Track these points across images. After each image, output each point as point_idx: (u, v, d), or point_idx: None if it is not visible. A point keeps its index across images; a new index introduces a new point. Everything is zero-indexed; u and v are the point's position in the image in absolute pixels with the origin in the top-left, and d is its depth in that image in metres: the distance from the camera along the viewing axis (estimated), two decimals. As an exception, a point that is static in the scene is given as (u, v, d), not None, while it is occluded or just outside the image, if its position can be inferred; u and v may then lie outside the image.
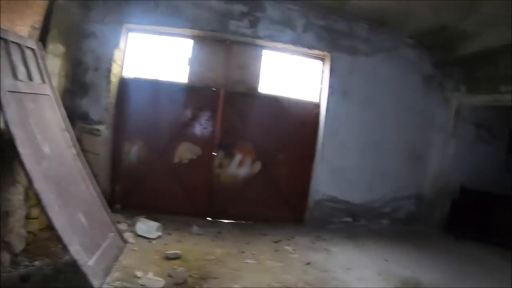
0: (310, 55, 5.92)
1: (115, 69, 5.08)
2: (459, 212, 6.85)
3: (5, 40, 2.91)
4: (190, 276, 3.52)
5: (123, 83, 5.28)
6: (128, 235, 4.21)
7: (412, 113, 6.64)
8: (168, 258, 3.84)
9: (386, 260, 4.93)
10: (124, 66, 5.35)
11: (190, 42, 5.48)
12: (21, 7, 3.47)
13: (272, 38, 5.51)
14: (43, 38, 3.86)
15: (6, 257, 3.14)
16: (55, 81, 4.09)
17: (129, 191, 5.31)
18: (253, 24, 5.44)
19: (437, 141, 7.06)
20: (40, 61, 3.57)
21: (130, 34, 5.34)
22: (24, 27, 3.53)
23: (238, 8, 5.38)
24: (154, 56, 5.42)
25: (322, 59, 5.96)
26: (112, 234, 3.68)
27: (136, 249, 3.98)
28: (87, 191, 3.59)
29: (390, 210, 6.70)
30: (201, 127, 5.54)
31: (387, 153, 6.47)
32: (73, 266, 2.78)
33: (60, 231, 2.72)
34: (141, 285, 3.18)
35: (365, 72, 6.09)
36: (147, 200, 5.31)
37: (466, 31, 5.66)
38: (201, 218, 5.42)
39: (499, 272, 5.23)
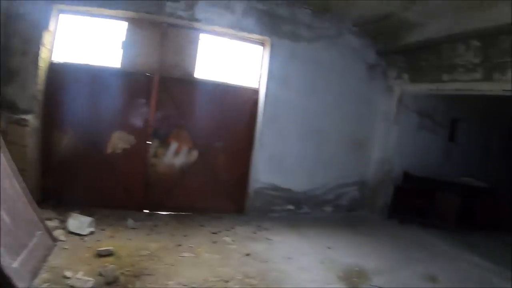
0: (250, 40, 5.99)
1: (44, 53, 4.82)
2: (402, 198, 7.30)
3: None
4: (122, 273, 3.49)
5: (53, 69, 5.01)
6: (59, 233, 4.11)
7: (355, 101, 6.94)
8: (100, 255, 3.76)
9: (329, 248, 5.10)
10: (54, 50, 5.09)
11: (124, 25, 5.32)
12: None
13: (210, 21, 5.47)
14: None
15: None
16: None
17: (61, 185, 5.13)
18: (190, 6, 5.37)
19: (380, 129, 7.47)
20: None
21: (61, 16, 5.08)
22: None
23: (174, -11, 5.18)
24: (86, 39, 5.22)
25: (262, 44, 6.05)
26: (39, 232, 3.59)
27: (67, 247, 3.88)
28: (11, 188, 3.44)
29: (333, 197, 7.03)
30: (134, 115, 5.40)
31: (329, 140, 6.72)
32: (-4, 269, 2.62)
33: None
34: (70, 286, 3.13)
35: (307, 58, 6.24)
36: (81, 194, 5.15)
37: (410, 21, 5.98)
38: (137, 211, 5.37)
39: (443, 256, 5.62)
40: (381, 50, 7.06)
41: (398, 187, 7.30)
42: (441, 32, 5.71)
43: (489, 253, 5.96)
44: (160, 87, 5.42)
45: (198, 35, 5.66)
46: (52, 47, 5.05)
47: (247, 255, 4.37)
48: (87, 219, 4.42)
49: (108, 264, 3.54)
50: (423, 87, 6.86)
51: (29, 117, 4.68)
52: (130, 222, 4.84)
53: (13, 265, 2.77)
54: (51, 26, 4.90)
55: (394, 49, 6.94)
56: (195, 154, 5.75)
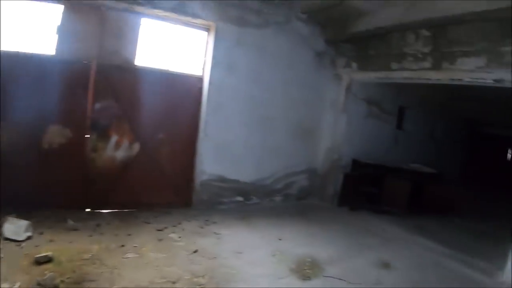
0: (195, 25, 5.92)
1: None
2: (352, 185, 7.65)
3: None
4: (63, 281, 3.35)
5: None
6: (-6, 240, 3.88)
7: (304, 89, 7.15)
8: (39, 262, 3.58)
9: (280, 239, 5.23)
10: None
11: (59, 8, 4.97)
12: None
13: (152, 4, 5.29)
14: None
15: None
16: None
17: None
18: (131, -13, 5.16)
19: (328, 117, 7.82)
20: None
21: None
22: None
23: (113, -30, 5.06)
24: (17, 24, 4.80)
25: (207, 30, 6.02)
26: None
27: (2, 256, 3.65)
28: None
29: (282, 186, 7.28)
30: (71, 107, 5.16)
31: (277, 129, 6.91)
32: None
33: None
34: (5, 300, 3.00)
35: (254, 44, 6.34)
36: (16, 195, 4.77)
37: (359, 9, 6.16)
38: (78, 210, 5.18)
39: (395, 241, 5.95)
40: (330, 38, 7.31)
41: (348, 175, 7.68)
42: (391, 21, 5.96)
43: (440, 236, 6.43)
44: (98, 75, 5.22)
45: (140, 19, 5.50)
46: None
47: (195, 252, 4.36)
48: (24, 223, 4.18)
49: (48, 272, 3.40)
50: (372, 76, 7.22)
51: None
52: (70, 223, 4.68)
53: None
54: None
55: (343, 38, 7.21)
56: (137, 146, 5.68)
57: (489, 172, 16.58)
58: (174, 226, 5.13)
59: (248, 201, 6.66)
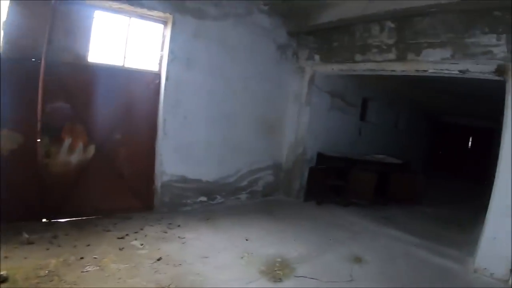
0: (151, 18, 5.72)
1: None
2: (318, 179, 7.70)
3: None
4: None
5: None
6: None
7: (266, 82, 7.17)
8: None
9: (247, 240, 5.21)
10: None
11: (4, 3, 4.65)
12: None
13: (106, -4, 5.07)
14: None
15: None
16: None
17: None
18: (83, -22, 4.97)
19: (292, 110, 7.89)
20: None
21: None
22: None
23: (63, -41, 4.96)
24: None
25: (164, 23, 5.86)
26: None
27: None
28: None
29: (247, 184, 7.29)
30: (19, 109, 4.82)
31: (239, 125, 6.89)
32: None
33: None
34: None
35: (213, 37, 6.24)
36: None
37: (322, 1, 6.30)
38: (34, 220, 4.90)
39: (364, 233, 6.07)
40: (293, 30, 7.34)
41: (313, 168, 7.77)
42: (355, 13, 6.06)
43: (408, 226, 6.67)
44: (48, 74, 4.89)
45: (93, 12, 5.24)
46: None
47: (159, 259, 4.23)
48: (-25, 241, 3.92)
49: (2, 294, 3.23)
50: (335, 68, 7.32)
51: None
52: (25, 236, 4.37)
53: None
54: None
55: (305, 29, 7.26)
56: (92, 149, 5.45)
57: (452, 160, 17.32)
58: (135, 232, 4.97)
59: (212, 201, 6.61)
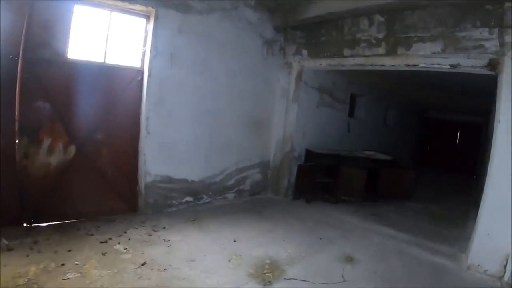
0: (133, 12, 5.55)
1: None
2: (307, 176, 7.70)
3: None
4: None
5: None
6: None
7: (252, 78, 7.12)
8: None
9: (235, 241, 5.14)
10: None
11: None
12: None
13: (86, -11, 4.95)
14: None
15: None
16: None
17: None
18: (61, -31, 4.89)
19: (279, 107, 7.85)
20: None
21: None
22: None
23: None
24: None
25: (147, 17, 5.70)
26: None
27: None
28: None
29: (234, 182, 7.24)
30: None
31: (225, 122, 6.82)
32: None
33: None
34: None
35: (198, 32, 6.14)
36: None
37: None
38: (14, 226, 4.74)
39: (355, 231, 6.06)
40: (280, 25, 7.32)
41: (301, 166, 7.78)
42: (344, 7, 5.98)
43: (399, 223, 6.72)
44: (26, 71, 4.72)
45: (72, 6, 5.06)
46: None
47: (143, 264, 4.12)
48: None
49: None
50: (323, 63, 7.27)
51: None
52: (4, 242, 4.22)
53: None
54: None
55: (293, 24, 7.22)
56: (73, 149, 5.30)
57: (441, 155, 17.58)
58: (119, 236, 4.85)
59: (198, 201, 6.54)
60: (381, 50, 6.02)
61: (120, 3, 5.29)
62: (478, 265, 4.72)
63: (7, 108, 4.65)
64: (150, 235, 5.03)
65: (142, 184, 5.81)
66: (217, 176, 6.80)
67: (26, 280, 3.53)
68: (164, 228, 5.31)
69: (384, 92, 11.49)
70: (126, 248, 4.50)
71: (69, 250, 4.25)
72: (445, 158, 17.23)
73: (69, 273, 3.75)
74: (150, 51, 5.59)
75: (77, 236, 4.72)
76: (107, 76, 5.47)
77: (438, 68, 5.56)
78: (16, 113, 4.73)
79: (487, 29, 4.80)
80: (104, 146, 5.55)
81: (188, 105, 6.14)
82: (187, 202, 6.35)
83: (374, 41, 6.10)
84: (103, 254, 4.29)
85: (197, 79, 6.18)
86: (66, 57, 5.06)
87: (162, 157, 5.91)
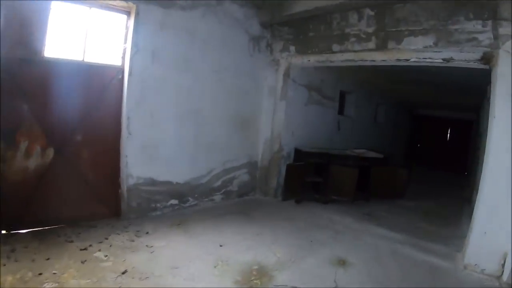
0: (113, 8, 5.45)
1: None
2: (296, 176, 7.63)
3: None
4: None
5: None
6: None
7: (238, 76, 7.03)
8: None
9: (221, 246, 5.02)
10: None
11: None
12: None
13: (64, -15, 4.80)
14: None
15: None
16: None
17: None
18: (37, -36, 4.73)
19: (267, 105, 7.76)
20: None
21: None
22: None
23: None
24: None
25: (128, 13, 5.54)
26: None
27: None
28: None
29: (222, 184, 7.16)
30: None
31: (211, 121, 6.72)
32: None
33: None
34: None
35: (181, 28, 6.01)
36: None
37: None
38: None
39: (347, 232, 5.98)
40: (266, 21, 7.26)
41: (290, 165, 7.71)
42: (332, 1, 5.91)
43: (392, 222, 6.68)
44: (1, 71, 4.58)
45: (50, 3, 4.91)
46: None
47: (124, 273, 3.98)
48: None
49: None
50: (312, 59, 7.20)
51: None
52: None
53: None
54: None
55: (279, 20, 7.17)
56: (51, 152, 5.14)
57: (431, 152, 17.77)
58: (100, 242, 4.70)
59: (184, 204, 6.43)
60: (371, 44, 5.96)
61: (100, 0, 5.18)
62: (475, 264, 4.70)
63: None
64: (133, 241, 4.90)
65: (124, 187, 5.67)
66: (203, 177, 6.69)
67: (2, 291, 3.46)
68: (147, 233, 5.18)
69: (374, 89, 11.51)
70: (107, 256, 4.36)
71: (48, 259, 4.11)
72: (436, 155, 17.42)
73: (46, 283, 3.61)
74: (131, 48, 5.45)
75: (57, 243, 4.58)
76: (87, 75, 5.31)
77: (430, 62, 5.51)
78: (-9, 115, 4.61)
79: (480, 21, 4.75)
80: (84, 148, 5.41)
81: (171, 104, 6.01)
82: (172, 205, 6.23)
83: (363, 36, 6.04)
84: (83, 262, 4.15)
85: (181, 77, 6.06)
86: (44, 55, 4.92)
87: (144, 158, 5.78)
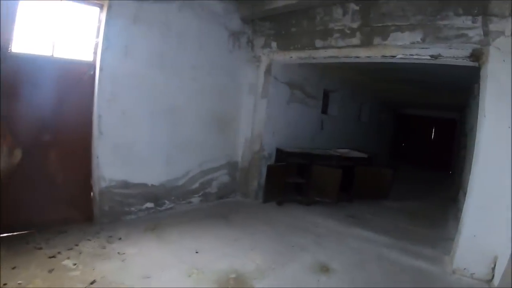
0: (84, 1, 5.28)
1: None
2: (278, 177, 7.56)
3: None
4: None
5: None
6: None
7: (217, 73, 6.93)
8: None
9: (197, 252, 4.89)
10: None
11: None
12: None
13: (31, -24, 4.72)
14: None
15: None
16: None
17: None
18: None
19: (247, 104, 7.67)
20: None
21: None
22: None
23: None
24: None
25: (100, 6, 5.43)
26: None
27: None
28: None
29: (199, 185, 7.05)
30: None
31: (188, 120, 6.59)
32: None
33: None
34: None
35: (155, 23, 5.83)
36: None
37: None
38: None
39: (330, 236, 5.92)
40: (247, 16, 7.19)
41: (271, 166, 7.64)
42: None
43: (377, 224, 6.68)
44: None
45: (18, -5, 4.82)
46: None
47: (92, 283, 3.83)
48: None
49: None
50: (294, 56, 7.13)
51: None
52: None
53: None
54: None
55: (261, 15, 7.12)
56: (18, 153, 4.96)
57: (416, 151, 18.06)
58: (69, 249, 4.54)
59: (160, 207, 6.29)
60: (356, 40, 5.92)
61: (70, -8, 5.04)
62: (464, 268, 4.71)
63: None
64: (104, 247, 4.74)
65: (96, 190, 5.51)
66: (180, 179, 6.57)
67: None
68: (120, 239, 5.03)
69: (358, 88, 11.54)
70: (76, 264, 4.20)
71: (14, 267, 3.95)
72: (421, 154, 17.71)
73: (11, 296, 3.53)
74: (102, 43, 5.28)
75: (25, 250, 4.40)
76: (56, 71, 5.12)
77: (418, 59, 5.47)
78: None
79: (470, 17, 4.72)
80: (54, 149, 5.22)
81: (145, 102, 5.86)
82: (147, 208, 6.09)
83: (348, 31, 5.98)
84: (50, 271, 3.98)
85: (155, 73, 5.91)
86: (11, 50, 4.72)
87: (117, 160, 5.61)
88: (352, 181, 8.28)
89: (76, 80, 5.33)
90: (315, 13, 6.37)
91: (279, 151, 7.89)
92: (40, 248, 4.50)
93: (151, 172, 6.09)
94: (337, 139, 10.22)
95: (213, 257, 4.72)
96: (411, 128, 18.70)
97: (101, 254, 4.54)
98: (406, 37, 5.36)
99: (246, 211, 6.91)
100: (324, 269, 4.69)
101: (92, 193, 5.58)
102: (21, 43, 4.82)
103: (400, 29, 5.40)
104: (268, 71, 7.41)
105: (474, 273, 4.62)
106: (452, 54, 5.10)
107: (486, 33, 4.63)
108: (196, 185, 6.90)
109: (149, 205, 6.12)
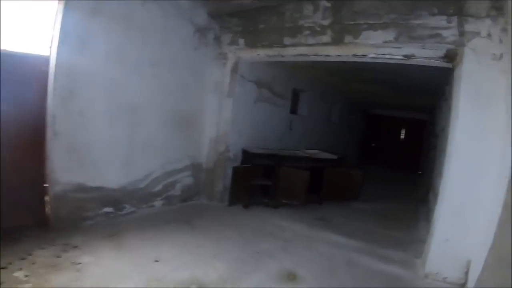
0: (41, -8, 5.17)
1: None
2: (244, 179, 7.57)
3: None
4: None
5: None
6: None
7: (181, 70, 6.85)
8: None
9: (156, 261, 4.75)
10: None
11: None
12: None
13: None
14: None
15: None
16: None
17: None
18: None
19: (212, 102, 7.62)
20: None
21: None
22: None
23: None
24: None
25: (58, -3, 5.28)
26: None
27: None
28: None
29: (162, 188, 6.96)
30: None
31: (149, 119, 6.49)
32: None
33: None
34: None
35: (116, 16, 5.67)
36: None
37: None
38: None
39: (293, 241, 5.89)
40: (214, 11, 7.10)
41: (237, 168, 7.61)
42: None
43: (346, 227, 6.74)
44: None
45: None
46: None
47: (44, 297, 3.67)
48: None
49: None
50: (262, 53, 7.10)
51: None
52: None
53: None
54: None
55: (229, 10, 7.07)
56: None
57: (385, 151, 18.57)
58: (22, 259, 4.36)
59: (120, 211, 6.16)
60: (326, 38, 5.93)
61: (25, -18, 4.85)
62: (437, 272, 4.80)
63: None
64: (59, 256, 4.55)
65: (51, 194, 5.33)
66: (141, 181, 6.46)
67: None
68: (76, 247, 4.85)
69: (329, 88, 11.67)
70: (28, 276, 4.02)
71: (-42, 282, 3.83)
72: (390, 154, 18.20)
73: (-47, 313, 3.37)
74: (58, 36, 5.09)
75: (-26, 261, 4.27)
76: (7, 65, 4.89)
77: (390, 59, 5.54)
78: None
79: (445, 17, 4.80)
80: (5, 150, 5.00)
81: (103, 100, 5.70)
82: (106, 213, 5.95)
83: (318, 29, 6.00)
84: (-1, 285, 3.91)
85: (115, 70, 5.75)
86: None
87: (72, 162, 5.44)
88: (321, 182, 8.35)
89: (29, 76, 5.14)
90: (285, 9, 6.38)
91: (245, 152, 7.90)
92: (-9, 259, 4.36)
93: (110, 174, 5.96)
94: (307, 139, 10.31)
95: (173, 266, 4.59)
96: (381, 128, 19.19)
97: (55, 264, 4.36)
98: (378, 36, 5.40)
99: (211, 215, 6.85)
100: (291, 277, 4.66)
101: (47, 198, 5.40)
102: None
103: (372, 27, 5.43)
104: (234, 69, 7.38)
105: (446, 277, 4.73)
106: (426, 54, 5.18)
107: (462, 34, 4.71)
108: (159, 187, 6.81)
109: (108, 209, 5.98)
